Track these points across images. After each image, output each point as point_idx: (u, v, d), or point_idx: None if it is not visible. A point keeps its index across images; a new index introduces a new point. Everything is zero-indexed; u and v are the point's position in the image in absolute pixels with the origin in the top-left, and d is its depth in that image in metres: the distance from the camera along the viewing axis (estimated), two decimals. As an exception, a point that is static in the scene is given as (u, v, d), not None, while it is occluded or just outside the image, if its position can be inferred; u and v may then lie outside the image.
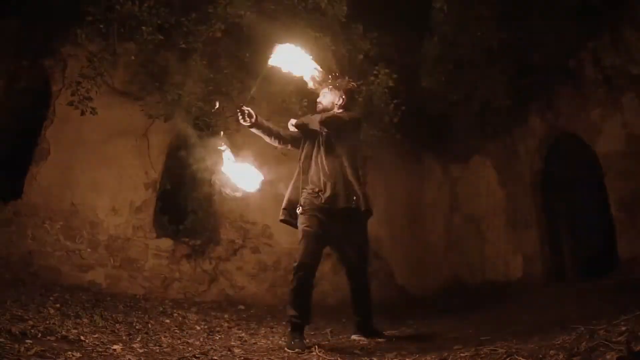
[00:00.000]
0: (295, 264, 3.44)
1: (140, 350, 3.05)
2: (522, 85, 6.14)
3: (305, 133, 3.73)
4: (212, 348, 3.32)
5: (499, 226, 6.82)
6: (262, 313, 5.56)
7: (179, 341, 3.50)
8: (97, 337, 3.19)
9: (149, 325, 4.04)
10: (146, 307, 4.94)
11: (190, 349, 3.29)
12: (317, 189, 3.48)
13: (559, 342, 2.42)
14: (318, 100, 3.79)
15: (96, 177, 5.84)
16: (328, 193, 3.41)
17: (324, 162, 3.51)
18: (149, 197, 6.20)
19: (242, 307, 5.87)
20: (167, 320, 4.45)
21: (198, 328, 4.31)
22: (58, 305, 4.15)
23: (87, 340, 3.05)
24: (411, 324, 4.82)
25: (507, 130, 6.65)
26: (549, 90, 6.15)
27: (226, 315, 5.12)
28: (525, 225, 6.47)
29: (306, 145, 3.73)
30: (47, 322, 3.40)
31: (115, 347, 3.03)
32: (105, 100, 5.61)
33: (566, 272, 6.20)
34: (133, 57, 5.31)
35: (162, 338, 3.51)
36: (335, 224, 3.44)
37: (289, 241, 7.12)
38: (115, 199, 5.92)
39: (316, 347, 3.42)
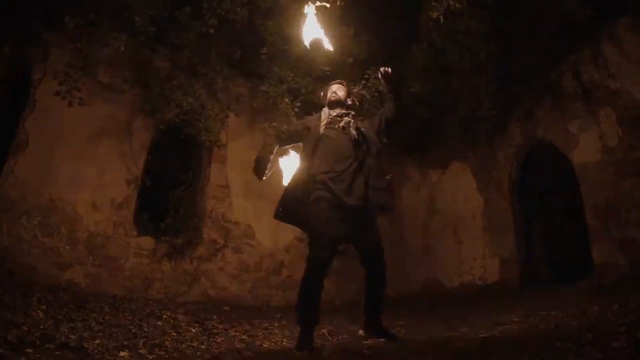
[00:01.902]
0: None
1: (150, 357, 2.88)
2: (504, 95, 6.29)
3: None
4: (220, 351, 3.18)
5: (476, 230, 6.94)
6: (249, 314, 5.40)
7: (183, 345, 3.31)
8: (99, 343, 2.97)
9: (144, 328, 3.81)
10: (132, 309, 4.67)
11: (198, 353, 3.13)
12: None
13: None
14: (333, 90, 3.64)
15: (76, 172, 5.48)
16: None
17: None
18: (130, 194, 5.90)
19: (227, 307, 5.69)
20: (159, 323, 4.22)
21: (193, 330, 4.11)
22: (44, 307, 3.85)
23: (90, 347, 2.84)
24: (402, 324, 4.81)
25: (487, 138, 6.79)
26: (530, 101, 6.33)
27: (215, 317, 4.93)
28: (502, 230, 6.61)
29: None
30: (41, 327, 3.14)
31: (122, 353, 2.83)
32: (88, 92, 5.28)
33: (541, 276, 6.38)
34: (122, 48, 5.04)
35: (166, 342, 3.33)
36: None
37: (271, 241, 7.00)
38: (95, 194, 5.59)
39: (324, 348, 3.37)
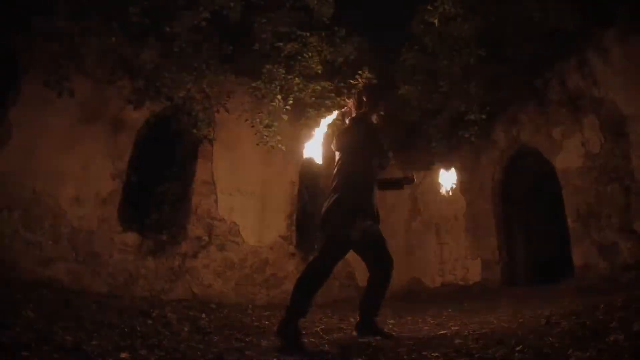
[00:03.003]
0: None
1: (152, 358, 2.78)
2: (490, 100, 6.38)
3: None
4: (220, 351, 3.11)
5: (458, 232, 7.03)
6: (236, 312, 5.32)
7: (182, 345, 3.21)
8: (97, 345, 2.85)
9: (137, 327, 3.68)
10: (119, 307, 4.54)
11: (198, 353, 3.04)
12: None
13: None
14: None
15: (60, 164, 5.26)
16: None
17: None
18: (115, 188, 5.71)
19: (213, 305, 5.59)
20: (149, 321, 4.11)
21: (185, 329, 4.02)
22: (32, 305, 3.70)
23: (88, 349, 2.71)
24: (392, 322, 4.83)
25: (471, 141, 6.87)
26: (515, 106, 6.44)
27: (204, 315, 4.83)
28: (484, 232, 6.71)
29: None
30: (33, 327, 3.00)
31: (123, 355, 2.72)
32: (75, 83, 5.10)
33: (523, 277, 6.52)
34: (114, 39, 4.86)
35: (163, 342, 3.23)
36: None
37: (255, 239, 6.91)
38: (80, 188, 5.39)
39: (326, 345, 3.36)
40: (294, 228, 7.28)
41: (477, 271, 6.65)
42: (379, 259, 3.55)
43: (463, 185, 7.15)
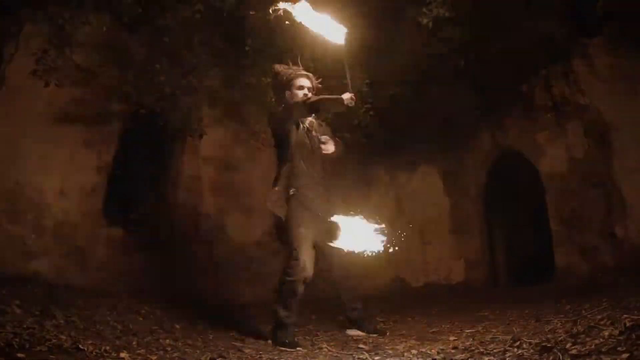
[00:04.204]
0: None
1: (153, 357, 2.72)
2: (477, 104, 6.47)
3: None
4: (221, 350, 3.07)
5: (442, 232, 7.10)
6: (224, 310, 5.27)
7: (180, 343, 3.15)
8: (93, 344, 2.73)
9: (130, 325, 3.59)
10: (107, 303, 4.42)
11: (198, 352, 2.99)
12: None
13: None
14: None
15: (45, 155, 5.09)
16: None
17: None
18: (100, 181, 5.54)
19: (200, 302, 5.50)
20: (140, 319, 4.03)
21: (177, 327, 3.96)
22: (18, 302, 3.56)
23: (87, 349, 2.61)
24: (381, 321, 4.85)
25: (456, 143, 6.96)
26: (501, 110, 6.53)
27: (192, 312, 4.76)
28: (468, 233, 6.81)
29: None
30: (24, 325, 2.89)
31: (122, 354, 2.64)
32: (62, 73, 4.93)
33: (504, 278, 6.64)
34: (105, 29, 4.73)
35: (161, 341, 3.16)
36: None
37: (241, 236, 6.84)
38: (65, 180, 5.19)
39: (324, 343, 3.37)
40: (280, 225, 7.22)
41: (461, 271, 6.73)
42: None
43: (447, 186, 7.26)
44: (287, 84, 3.51)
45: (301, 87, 3.50)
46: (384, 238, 3.13)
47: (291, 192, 3.37)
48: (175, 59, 5.43)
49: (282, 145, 3.50)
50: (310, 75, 3.68)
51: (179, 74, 5.38)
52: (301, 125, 3.47)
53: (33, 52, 4.29)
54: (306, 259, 3.25)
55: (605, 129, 5.45)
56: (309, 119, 3.56)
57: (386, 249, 3.20)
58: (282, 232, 3.44)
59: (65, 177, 5.23)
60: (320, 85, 3.74)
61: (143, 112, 5.32)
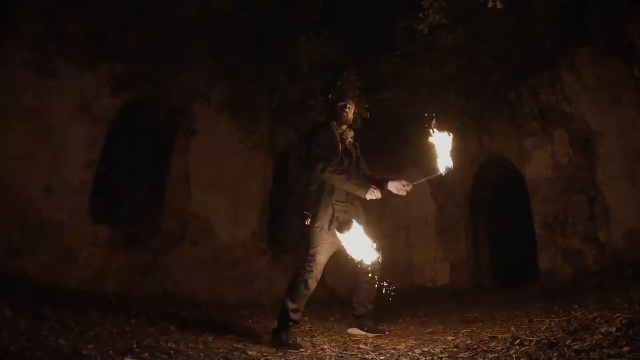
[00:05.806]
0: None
1: (157, 361, 2.64)
2: (465, 109, 6.55)
3: None
4: (223, 351, 3.02)
5: (428, 235, 7.17)
6: (214, 311, 5.17)
7: (181, 345, 3.08)
8: (95, 348, 2.64)
9: (124, 327, 3.48)
10: (96, 304, 4.29)
11: (201, 355, 2.93)
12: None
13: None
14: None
15: (30, 151, 4.91)
16: None
17: None
18: (87, 178, 5.38)
19: (189, 302, 5.40)
20: (133, 320, 3.92)
21: (172, 327, 3.86)
22: (6, 302, 3.41)
23: (89, 353, 2.51)
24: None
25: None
26: (488, 116, 6.64)
27: (184, 313, 4.66)
28: (453, 236, 6.89)
29: None
30: (19, 329, 2.76)
31: (126, 359, 2.59)
32: (55, 66, 4.78)
33: (488, 280, 6.74)
34: (97, 23, 4.60)
35: (162, 344, 3.08)
36: None
37: (228, 236, 6.74)
38: (50, 177, 5.00)
39: (326, 344, 3.37)
40: (266, 226, 7.17)
41: (446, 274, 6.81)
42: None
43: (433, 190, 7.34)
44: (339, 102, 3.94)
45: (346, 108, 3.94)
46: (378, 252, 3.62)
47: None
48: (167, 55, 5.34)
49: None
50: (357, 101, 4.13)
51: (171, 70, 5.29)
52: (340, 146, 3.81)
53: (28, 44, 4.12)
54: (322, 259, 3.53)
55: (590, 136, 5.59)
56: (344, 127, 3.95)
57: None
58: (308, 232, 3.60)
59: (51, 173, 5.02)
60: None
61: (127, 109, 5.18)
